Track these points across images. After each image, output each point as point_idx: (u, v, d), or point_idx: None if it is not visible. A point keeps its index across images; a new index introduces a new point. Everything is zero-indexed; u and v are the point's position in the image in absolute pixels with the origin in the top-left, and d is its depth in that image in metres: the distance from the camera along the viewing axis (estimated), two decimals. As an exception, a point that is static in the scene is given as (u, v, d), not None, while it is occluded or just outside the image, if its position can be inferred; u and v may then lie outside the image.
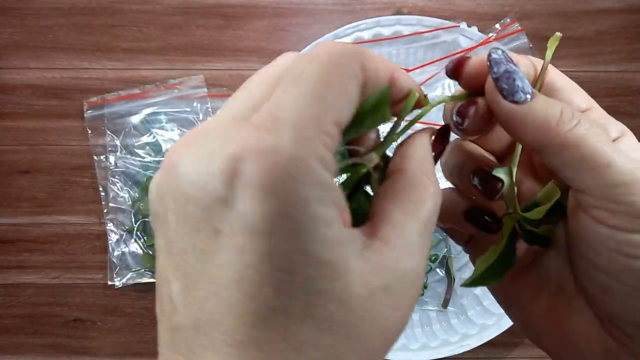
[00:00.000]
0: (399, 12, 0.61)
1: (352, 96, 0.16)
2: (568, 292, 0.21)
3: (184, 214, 0.14)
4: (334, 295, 0.14)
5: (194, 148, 0.14)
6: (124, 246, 0.60)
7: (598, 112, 0.20)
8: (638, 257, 0.18)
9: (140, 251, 0.59)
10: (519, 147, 0.22)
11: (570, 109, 0.18)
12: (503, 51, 0.19)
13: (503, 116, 0.19)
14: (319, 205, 0.14)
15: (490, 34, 0.58)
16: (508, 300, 0.24)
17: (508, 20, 0.59)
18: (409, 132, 0.20)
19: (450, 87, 0.59)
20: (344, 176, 0.18)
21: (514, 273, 0.22)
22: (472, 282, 0.22)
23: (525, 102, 0.18)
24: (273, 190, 0.13)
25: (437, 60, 0.59)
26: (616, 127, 0.20)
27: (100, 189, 0.60)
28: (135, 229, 0.59)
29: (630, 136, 0.20)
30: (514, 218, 0.22)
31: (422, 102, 0.20)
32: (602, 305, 0.20)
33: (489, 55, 0.19)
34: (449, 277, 0.58)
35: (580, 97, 0.21)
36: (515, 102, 0.18)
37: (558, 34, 0.21)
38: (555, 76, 0.21)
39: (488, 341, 0.57)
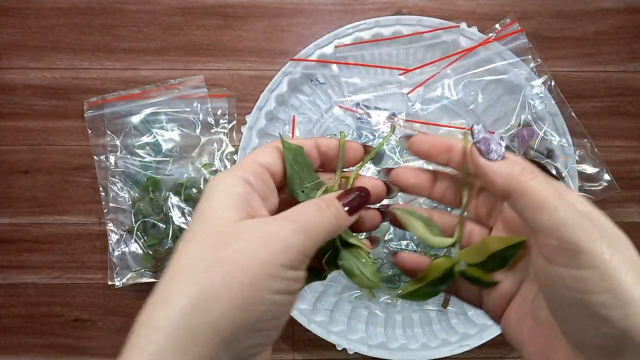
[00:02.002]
0: (398, 12, 0.61)
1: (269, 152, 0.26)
2: (547, 322, 0.25)
3: None
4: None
5: None
6: (124, 246, 0.60)
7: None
8: (580, 291, 0.21)
9: (140, 251, 0.59)
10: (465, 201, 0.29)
11: (530, 168, 0.24)
12: (483, 125, 0.26)
13: (480, 170, 0.25)
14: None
15: (490, 34, 0.59)
16: (502, 327, 0.28)
17: (508, 20, 0.59)
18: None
19: (450, 88, 0.59)
20: None
21: (503, 305, 0.27)
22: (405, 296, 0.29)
23: (498, 160, 0.25)
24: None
25: (437, 61, 0.59)
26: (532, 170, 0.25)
27: (101, 189, 0.60)
28: (135, 229, 0.59)
29: (539, 174, 0.25)
30: (450, 261, 0.28)
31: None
32: (567, 335, 0.24)
33: (472, 126, 0.26)
34: (449, 277, 0.58)
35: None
36: (490, 160, 0.25)
37: (467, 134, 0.28)
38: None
39: (488, 341, 0.57)
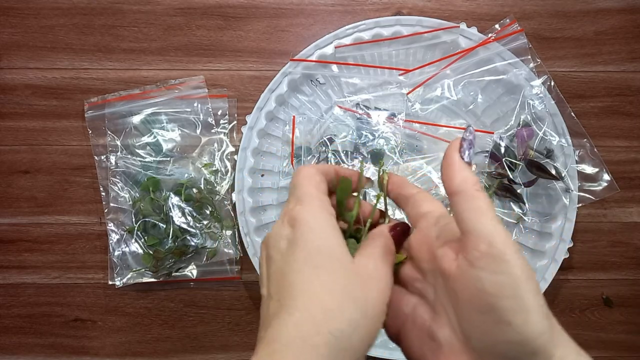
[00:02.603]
0: (398, 13, 0.62)
1: (321, 181, 0.31)
2: (447, 342, 0.28)
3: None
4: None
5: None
6: (124, 246, 0.60)
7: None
8: (494, 294, 0.24)
9: (140, 251, 0.60)
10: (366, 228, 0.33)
11: (481, 185, 0.24)
12: (475, 135, 0.29)
13: (448, 160, 0.28)
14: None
15: (490, 35, 0.59)
16: (403, 347, 0.31)
17: (507, 20, 0.59)
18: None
19: (450, 88, 0.59)
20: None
21: (398, 324, 0.31)
22: None
23: (465, 161, 0.28)
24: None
25: (436, 61, 0.59)
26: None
27: (101, 189, 0.60)
28: (136, 229, 0.59)
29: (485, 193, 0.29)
30: None
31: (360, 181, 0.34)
32: (473, 341, 0.26)
33: (468, 126, 0.29)
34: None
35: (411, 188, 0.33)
36: (462, 159, 0.28)
37: (386, 174, 0.34)
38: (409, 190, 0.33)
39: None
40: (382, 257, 0.29)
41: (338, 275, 0.27)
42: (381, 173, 0.34)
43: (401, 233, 0.31)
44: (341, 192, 0.32)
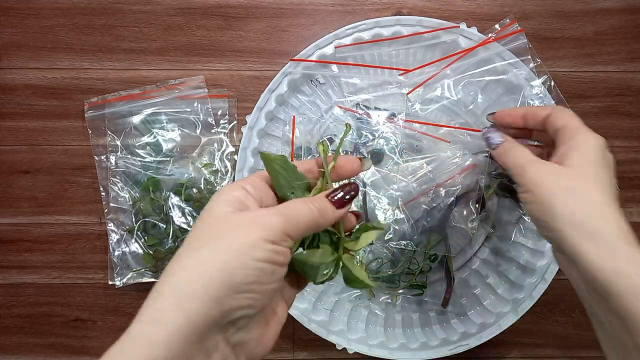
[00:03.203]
0: (398, 13, 0.62)
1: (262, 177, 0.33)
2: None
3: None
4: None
5: None
6: (124, 246, 0.60)
7: None
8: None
9: (140, 251, 0.60)
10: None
11: (521, 150, 0.39)
12: (491, 128, 0.41)
13: (493, 154, 0.40)
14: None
15: (490, 35, 0.59)
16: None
17: (507, 20, 0.59)
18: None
19: (450, 88, 0.59)
20: None
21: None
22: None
23: (497, 148, 0.39)
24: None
25: (436, 61, 0.59)
26: None
27: (101, 189, 0.60)
28: (136, 228, 0.59)
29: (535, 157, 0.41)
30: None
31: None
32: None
33: (488, 125, 0.42)
34: (449, 277, 0.58)
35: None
36: (493, 149, 0.39)
37: (326, 143, 0.35)
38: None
39: (487, 340, 0.57)
40: (283, 212, 0.29)
41: (209, 226, 0.28)
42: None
43: (342, 198, 0.32)
44: (268, 166, 0.32)
